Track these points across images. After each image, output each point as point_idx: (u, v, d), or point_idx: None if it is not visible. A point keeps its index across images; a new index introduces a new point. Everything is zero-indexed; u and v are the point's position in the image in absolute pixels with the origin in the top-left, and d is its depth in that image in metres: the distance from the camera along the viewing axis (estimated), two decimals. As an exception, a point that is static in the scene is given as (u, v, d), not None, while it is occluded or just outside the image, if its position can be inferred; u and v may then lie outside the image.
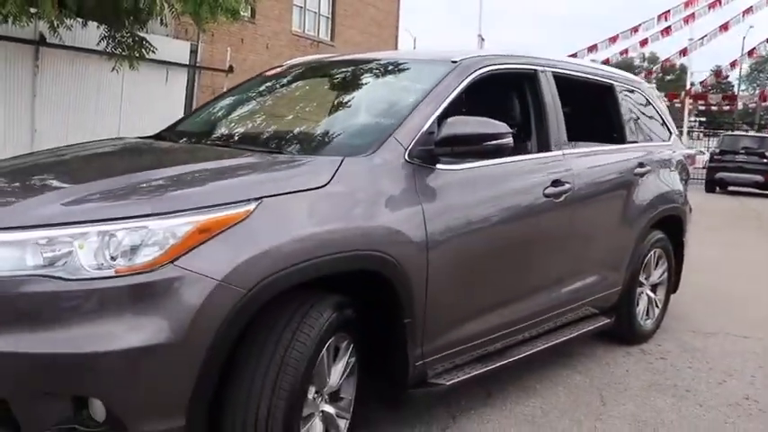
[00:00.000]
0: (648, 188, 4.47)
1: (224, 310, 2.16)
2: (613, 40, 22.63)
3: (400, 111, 3.06)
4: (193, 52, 14.18)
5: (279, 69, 4.21)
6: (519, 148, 3.65)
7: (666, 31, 21.90)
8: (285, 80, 4.11)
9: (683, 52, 23.53)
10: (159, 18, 10.10)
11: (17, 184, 2.68)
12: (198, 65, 14.45)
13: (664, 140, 5.00)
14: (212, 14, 9.18)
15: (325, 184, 2.55)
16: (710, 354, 4.60)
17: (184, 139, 3.62)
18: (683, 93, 25.13)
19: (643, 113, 4.87)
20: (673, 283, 5.01)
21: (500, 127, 2.93)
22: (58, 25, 8.63)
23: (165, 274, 2.12)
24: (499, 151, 2.96)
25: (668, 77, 65.05)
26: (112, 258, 2.12)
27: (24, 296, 2.10)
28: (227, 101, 4.08)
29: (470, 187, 3.10)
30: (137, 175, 2.54)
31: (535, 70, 3.76)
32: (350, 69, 3.96)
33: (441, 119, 3.00)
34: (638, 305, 4.60)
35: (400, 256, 2.67)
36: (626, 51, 23.40)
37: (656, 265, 4.78)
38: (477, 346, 3.28)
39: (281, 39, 20.02)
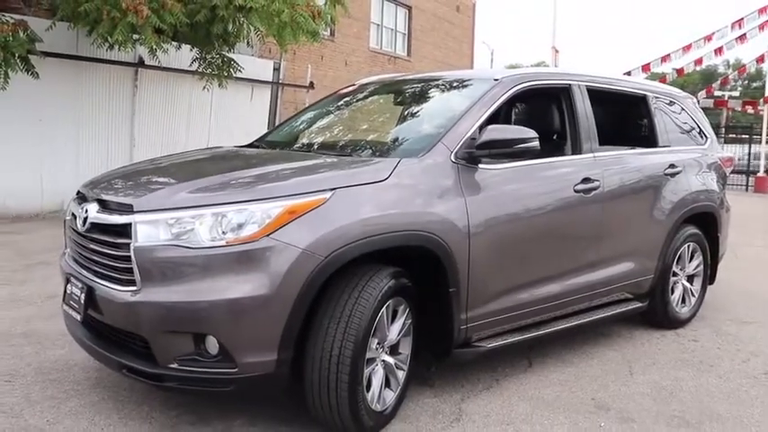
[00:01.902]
0: (680, 187, 4.92)
1: (306, 271, 2.84)
2: (687, 48, 22.56)
3: (448, 121, 3.69)
4: (276, 70, 14.89)
5: (350, 88, 4.94)
6: (554, 151, 4.24)
7: (741, 38, 21.75)
8: (354, 97, 4.83)
9: (760, 59, 23.17)
10: (246, 40, 10.96)
11: (149, 179, 3.43)
12: (281, 82, 15.20)
13: (699, 145, 5.45)
14: (294, 37, 9.91)
15: (385, 179, 3.21)
16: (741, 338, 4.98)
17: (273, 146, 4.37)
18: (761, 100, 24.60)
19: (678, 120, 5.35)
20: (709, 276, 5.44)
21: (528, 133, 3.54)
22: (156, 49, 9.47)
23: (262, 244, 2.81)
24: (527, 153, 3.58)
25: (755, 84, 63.03)
26: (223, 233, 2.83)
27: (158, 260, 2.84)
28: (307, 115, 4.85)
29: (506, 183, 3.71)
30: (240, 172, 3.27)
31: (569, 84, 4.33)
32: (408, 87, 4.65)
33: (483, 126, 3.62)
34: (672, 293, 5.05)
35: (445, 236, 3.30)
36: (700, 60, 23.19)
37: (691, 258, 5.21)
38: (514, 317, 3.86)
39: (359, 55, 20.83)
